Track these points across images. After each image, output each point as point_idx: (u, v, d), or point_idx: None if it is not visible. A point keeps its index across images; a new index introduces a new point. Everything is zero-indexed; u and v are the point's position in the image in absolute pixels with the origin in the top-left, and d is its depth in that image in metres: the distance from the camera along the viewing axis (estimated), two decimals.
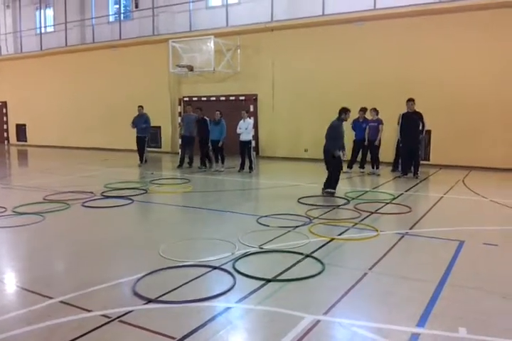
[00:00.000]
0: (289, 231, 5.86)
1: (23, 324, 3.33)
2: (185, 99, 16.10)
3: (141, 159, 13.15)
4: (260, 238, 5.49)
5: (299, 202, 7.69)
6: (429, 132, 11.87)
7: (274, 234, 5.69)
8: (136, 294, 3.84)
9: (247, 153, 11.49)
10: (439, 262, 4.68)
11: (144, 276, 4.24)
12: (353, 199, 7.93)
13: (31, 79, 20.41)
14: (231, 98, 15.05)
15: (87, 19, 18.96)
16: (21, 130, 21.64)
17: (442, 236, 5.61)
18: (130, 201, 7.86)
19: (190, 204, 7.91)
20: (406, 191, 8.77)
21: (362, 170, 11.23)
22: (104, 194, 8.47)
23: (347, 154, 9.40)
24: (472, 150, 11.70)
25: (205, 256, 4.82)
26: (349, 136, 11.46)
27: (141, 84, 16.81)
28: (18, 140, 21.87)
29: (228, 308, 3.62)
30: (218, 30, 14.74)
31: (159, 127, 16.63)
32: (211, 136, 11.65)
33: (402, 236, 5.64)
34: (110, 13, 18.72)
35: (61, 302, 3.71)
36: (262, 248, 5.11)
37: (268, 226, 6.08)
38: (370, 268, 4.48)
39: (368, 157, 11.16)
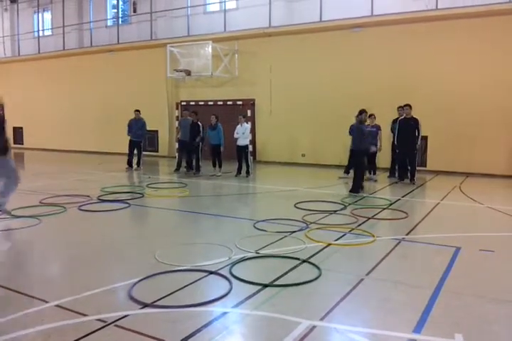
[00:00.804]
0: (285, 236, 5.85)
1: (18, 327, 3.31)
2: (182, 103, 16.17)
3: (138, 163, 13.03)
4: (257, 243, 5.48)
5: (295, 207, 7.70)
6: (425, 138, 11.92)
7: (270, 239, 5.69)
8: (132, 298, 3.82)
9: (244, 157, 11.50)
10: (435, 268, 4.68)
11: (140, 281, 4.22)
12: (350, 204, 7.94)
13: (29, 83, 20.39)
14: (228, 103, 15.10)
15: (85, 23, 18.98)
16: (18, 133, 21.57)
17: (438, 242, 5.62)
18: (127, 205, 7.84)
19: (186, 208, 7.89)
20: (403, 197, 8.79)
21: None
22: (100, 198, 8.45)
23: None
24: (469, 157, 11.74)
25: (202, 260, 4.81)
26: (347, 142, 11.55)
27: (139, 88, 16.82)
28: (14, 143, 21.69)
29: (225, 313, 3.61)
30: (216, 35, 14.80)
31: (156, 131, 16.62)
32: (210, 141, 11.66)
33: (399, 242, 5.65)
34: (108, 17, 18.76)
35: (56, 306, 3.69)
36: (258, 253, 5.11)
37: (265, 231, 6.08)
38: (366, 274, 4.49)
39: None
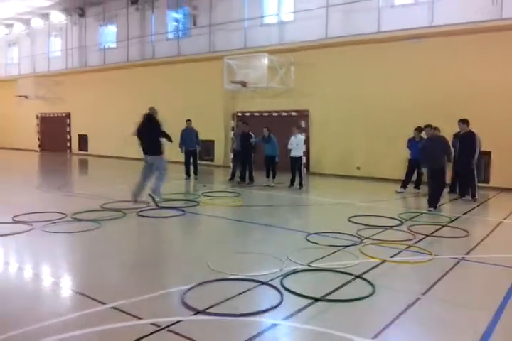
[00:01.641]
0: (338, 250, 5.75)
1: (75, 327, 3.45)
2: (238, 114, 16.43)
3: (194, 172, 13.31)
4: (309, 255, 5.43)
5: (349, 220, 7.56)
6: (488, 153, 11.39)
7: (323, 252, 5.62)
8: (185, 304, 3.89)
9: (297, 169, 11.47)
10: (496, 290, 4.44)
11: (193, 287, 4.30)
12: (407, 220, 7.69)
13: (94, 92, 21.50)
14: (283, 114, 15.17)
15: (147, 36, 19.81)
16: (83, 140, 22.76)
17: (500, 262, 5.33)
18: (182, 212, 8.03)
19: (240, 217, 7.96)
20: (463, 214, 8.42)
21: (417, 190, 10.90)
22: (158, 204, 8.70)
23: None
24: None
25: (253, 270, 4.83)
26: (404, 156, 11.27)
27: (197, 99, 17.27)
28: (79, 149, 22.98)
29: (275, 325, 3.60)
30: (272, 47, 14.95)
31: (213, 141, 16.96)
32: (265, 152, 11.76)
33: (458, 261, 5.40)
34: (169, 30, 19.48)
35: (113, 308, 3.82)
36: (310, 266, 5.06)
37: (317, 244, 6.01)
38: (423, 293, 4.32)
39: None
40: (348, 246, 5.92)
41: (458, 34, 11.82)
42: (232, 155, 13.65)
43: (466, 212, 8.59)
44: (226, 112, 16.77)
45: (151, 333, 3.38)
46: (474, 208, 9.14)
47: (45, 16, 24.49)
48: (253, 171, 12.22)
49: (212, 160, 17.28)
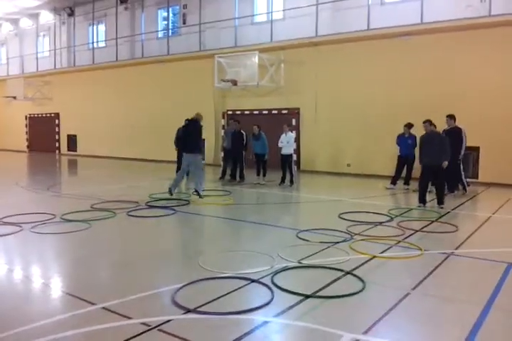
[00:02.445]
0: (329, 246, 5.78)
1: (66, 328, 3.43)
2: (228, 112, 16.41)
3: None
4: (299, 252, 5.44)
5: (340, 217, 7.59)
6: (477, 148, 11.49)
7: (313, 249, 5.64)
8: (175, 303, 3.88)
9: (288, 166, 11.48)
10: (485, 284, 4.48)
11: (183, 286, 4.29)
12: (397, 216, 7.73)
13: (83, 92, 21.35)
14: (274, 112, 15.18)
15: (136, 35, 19.71)
16: (72, 140, 22.60)
17: (490, 257, 5.38)
18: (173, 211, 8.01)
19: (230, 216, 7.96)
20: (452, 209, 8.48)
21: (406, 186, 10.97)
22: (148, 204, 8.67)
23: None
24: None
25: (244, 268, 4.83)
26: (394, 152, 11.32)
27: (187, 97, 17.21)
28: (68, 150, 22.82)
29: (266, 322, 3.60)
30: (263, 45, 14.95)
31: (203, 139, 16.90)
32: (255, 150, 11.76)
33: (447, 257, 5.44)
34: (159, 29, 19.40)
35: (103, 308, 3.80)
36: (301, 263, 5.07)
37: (308, 241, 6.03)
38: (412, 288, 4.35)
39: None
40: (338, 242, 5.95)
41: (447, 31, 11.90)
42: (222, 154, 13.62)
43: (455, 208, 8.65)
44: (217, 111, 16.74)
45: (142, 333, 3.36)
46: (463, 203, 9.21)
47: (34, 16, 24.30)
48: (244, 169, 12.21)
49: (202, 158, 17.21)
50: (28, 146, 24.84)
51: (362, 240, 6.10)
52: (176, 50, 17.86)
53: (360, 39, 13.31)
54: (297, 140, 13.78)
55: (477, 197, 10.22)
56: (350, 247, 5.68)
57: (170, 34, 18.70)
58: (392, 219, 7.50)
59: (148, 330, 3.40)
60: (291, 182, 11.46)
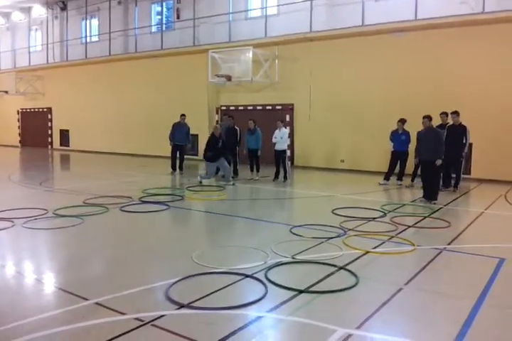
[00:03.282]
0: (322, 242, 5.79)
1: (59, 323, 3.42)
2: (222, 108, 16.36)
3: (180, 167, 13.14)
4: (293, 248, 5.45)
5: (333, 213, 7.61)
6: (470, 145, 11.54)
7: (307, 244, 5.65)
8: (169, 299, 3.88)
9: (281, 162, 11.48)
10: (477, 279, 4.51)
11: (177, 282, 4.28)
12: (390, 212, 7.77)
13: (75, 87, 21.19)
14: (268, 107, 15.16)
15: (130, 29, 19.57)
16: (64, 135, 22.46)
17: (482, 252, 5.42)
18: (166, 207, 7.99)
19: (224, 211, 7.95)
20: (445, 205, 8.53)
21: (400, 182, 11.01)
22: (141, 199, 8.64)
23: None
24: None
25: (238, 263, 4.83)
26: (387, 148, 11.35)
27: (181, 92, 17.15)
28: (61, 145, 22.68)
29: (259, 317, 3.61)
30: (257, 40, 14.89)
31: (197, 135, 16.84)
32: (248, 145, 11.73)
33: (440, 252, 5.48)
34: (153, 23, 19.26)
35: (96, 303, 3.79)
36: (294, 258, 5.08)
37: (301, 236, 6.04)
38: (405, 284, 4.37)
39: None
40: (331, 238, 5.97)
41: (441, 27, 11.92)
42: None
43: (447, 203, 8.70)
44: (210, 106, 16.68)
45: (135, 328, 3.36)
46: (456, 199, 9.27)
47: (26, 10, 24.04)
48: (237, 165, 12.19)
49: (196, 154, 17.19)
50: (20, 141, 24.65)
51: (355, 235, 6.12)
52: (169, 45, 17.76)
53: (354, 35, 13.29)
54: (291, 136, 13.77)
55: (469, 193, 10.29)
56: (343, 242, 5.70)
57: (164, 29, 18.58)
58: (385, 214, 7.54)
59: (142, 326, 3.40)
60: (285, 177, 11.46)
